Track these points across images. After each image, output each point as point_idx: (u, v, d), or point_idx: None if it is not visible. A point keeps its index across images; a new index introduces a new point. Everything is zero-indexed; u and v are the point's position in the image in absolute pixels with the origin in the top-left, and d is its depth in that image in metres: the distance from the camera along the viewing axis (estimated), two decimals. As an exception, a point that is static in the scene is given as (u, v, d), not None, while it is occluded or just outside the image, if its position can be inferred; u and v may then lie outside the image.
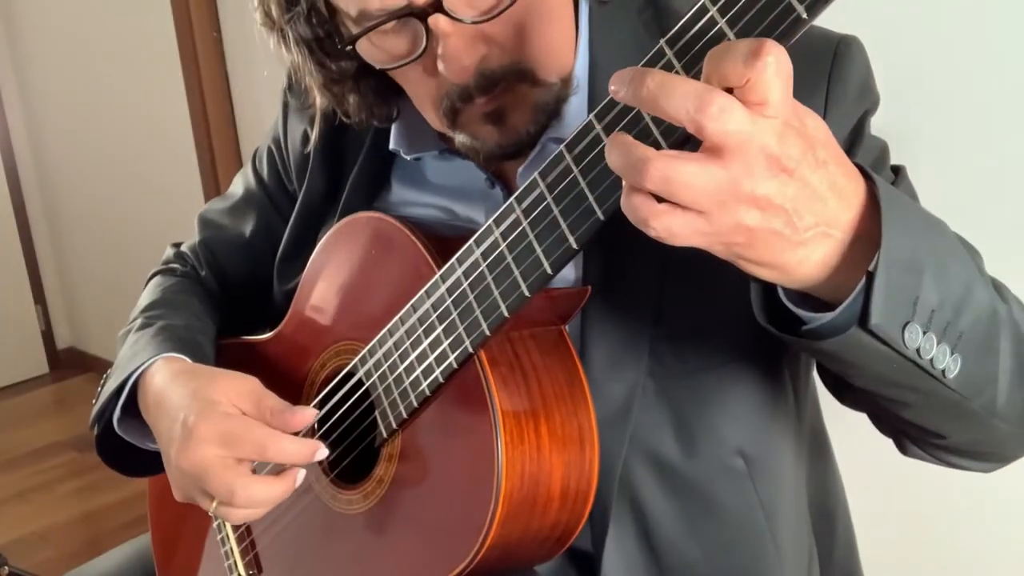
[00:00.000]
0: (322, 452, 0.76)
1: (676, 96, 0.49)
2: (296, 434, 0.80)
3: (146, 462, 0.91)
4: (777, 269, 0.55)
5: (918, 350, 0.57)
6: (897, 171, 0.77)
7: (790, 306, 0.60)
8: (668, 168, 0.49)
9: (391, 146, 0.87)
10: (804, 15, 0.49)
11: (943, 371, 0.59)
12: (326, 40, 0.77)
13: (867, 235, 0.54)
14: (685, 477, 0.78)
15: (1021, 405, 0.68)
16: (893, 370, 0.59)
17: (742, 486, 0.79)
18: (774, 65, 0.48)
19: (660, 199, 0.51)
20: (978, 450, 0.73)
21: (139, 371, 0.87)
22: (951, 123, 1.23)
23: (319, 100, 0.84)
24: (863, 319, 0.55)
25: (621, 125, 0.57)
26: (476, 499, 0.69)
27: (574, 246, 0.61)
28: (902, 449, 0.77)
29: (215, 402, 0.77)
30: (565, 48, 0.77)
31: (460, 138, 0.76)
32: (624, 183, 0.52)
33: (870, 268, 0.54)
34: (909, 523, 1.42)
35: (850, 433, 0.94)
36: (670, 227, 0.51)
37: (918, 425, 0.69)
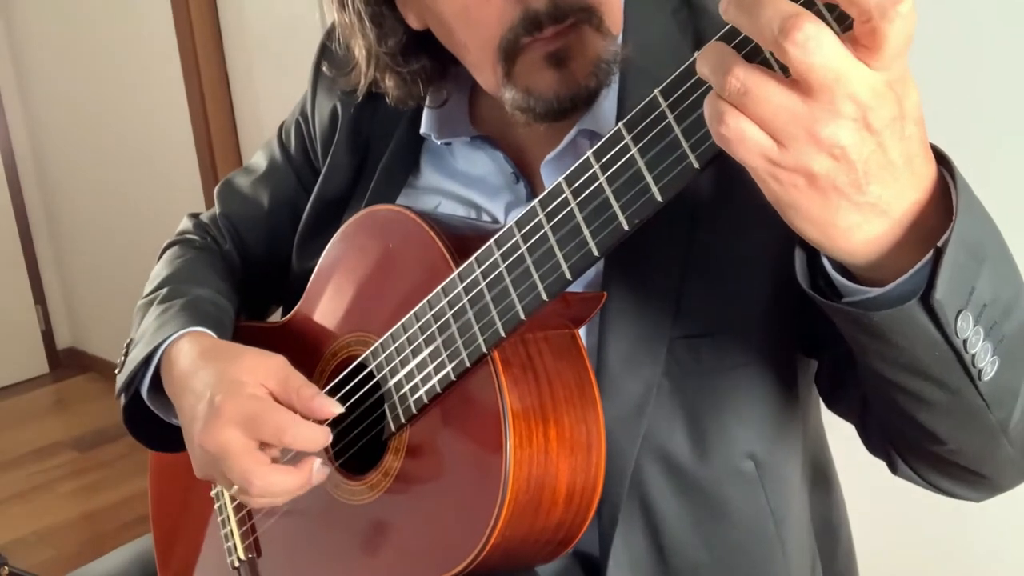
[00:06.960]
0: (329, 436, 0.76)
1: (765, 14, 0.45)
2: None
3: (168, 436, 0.89)
4: (822, 229, 0.51)
5: (965, 342, 0.54)
6: None
7: (834, 276, 0.57)
8: (750, 78, 0.46)
9: (422, 130, 0.87)
10: None
11: (980, 371, 0.57)
12: (384, 9, 0.78)
13: (924, 222, 0.52)
14: (696, 478, 0.78)
15: None
16: (934, 359, 0.56)
17: (752, 491, 0.79)
18: (905, 21, 0.44)
19: None
20: (977, 470, 0.70)
21: (167, 342, 0.85)
22: (960, 123, 1.23)
23: (364, 72, 0.84)
24: (926, 292, 0.52)
25: (653, 132, 0.56)
26: (481, 499, 0.69)
27: (595, 253, 0.61)
28: (893, 468, 0.75)
29: (242, 382, 0.76)
30: (620, 22, 0.76)
31: (512, 94, 0.74)
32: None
33: (939, 244, 0.51)
34: (910, 544, 1.42)
35: (853, 453, 0.93)
36: (742, 130, 0.47)
37: (929, 431, 0.65)
